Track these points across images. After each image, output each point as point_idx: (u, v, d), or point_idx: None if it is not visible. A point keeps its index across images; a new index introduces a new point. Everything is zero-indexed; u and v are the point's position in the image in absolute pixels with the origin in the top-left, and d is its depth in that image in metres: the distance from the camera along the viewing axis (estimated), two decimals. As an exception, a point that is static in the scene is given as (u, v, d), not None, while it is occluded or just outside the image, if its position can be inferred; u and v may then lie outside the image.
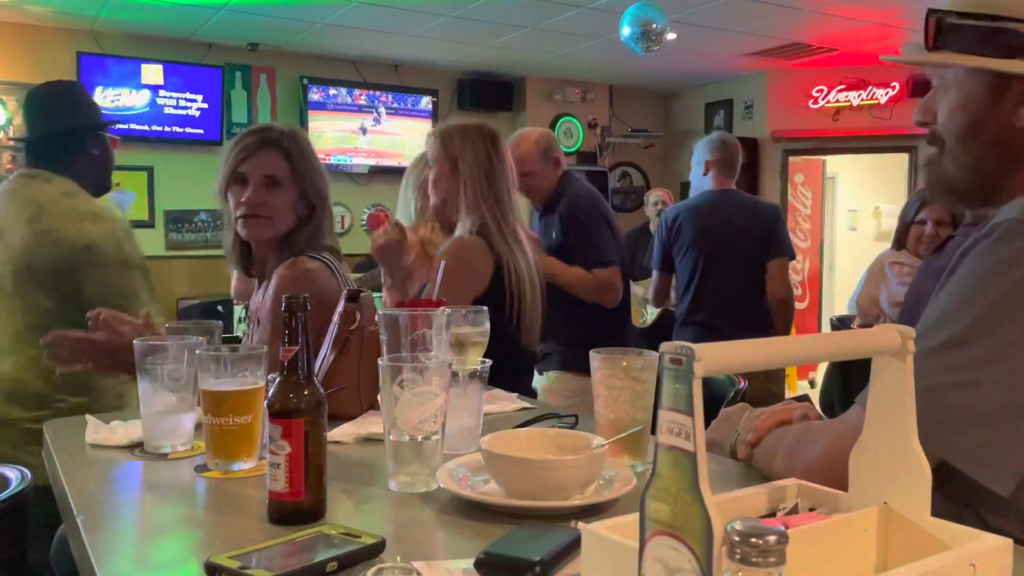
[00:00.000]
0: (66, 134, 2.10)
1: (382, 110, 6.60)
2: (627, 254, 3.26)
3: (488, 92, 6.91)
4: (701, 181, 3.52)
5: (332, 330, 1.49)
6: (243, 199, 1.78)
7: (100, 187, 2.20)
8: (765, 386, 3.40)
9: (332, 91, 6.40)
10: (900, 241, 3.19)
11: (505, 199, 2.14)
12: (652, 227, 5.14)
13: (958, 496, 0.90)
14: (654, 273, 3.64)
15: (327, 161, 6.28)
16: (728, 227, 3.39)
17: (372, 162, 6.57)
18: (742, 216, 3.44)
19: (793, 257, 3.55)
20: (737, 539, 0.51)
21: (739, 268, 3.38)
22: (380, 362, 1.08)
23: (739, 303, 3.38)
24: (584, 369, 2.67)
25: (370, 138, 6.58)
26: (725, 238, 3.38)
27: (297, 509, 0.96)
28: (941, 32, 1.04)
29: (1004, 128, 1.02)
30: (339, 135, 6.46)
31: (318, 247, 1.84)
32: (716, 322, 3.34)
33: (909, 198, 3.27)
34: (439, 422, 1.08)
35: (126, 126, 2.37)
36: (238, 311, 5.06)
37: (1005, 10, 1.00)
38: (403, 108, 6.68)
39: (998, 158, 1.03)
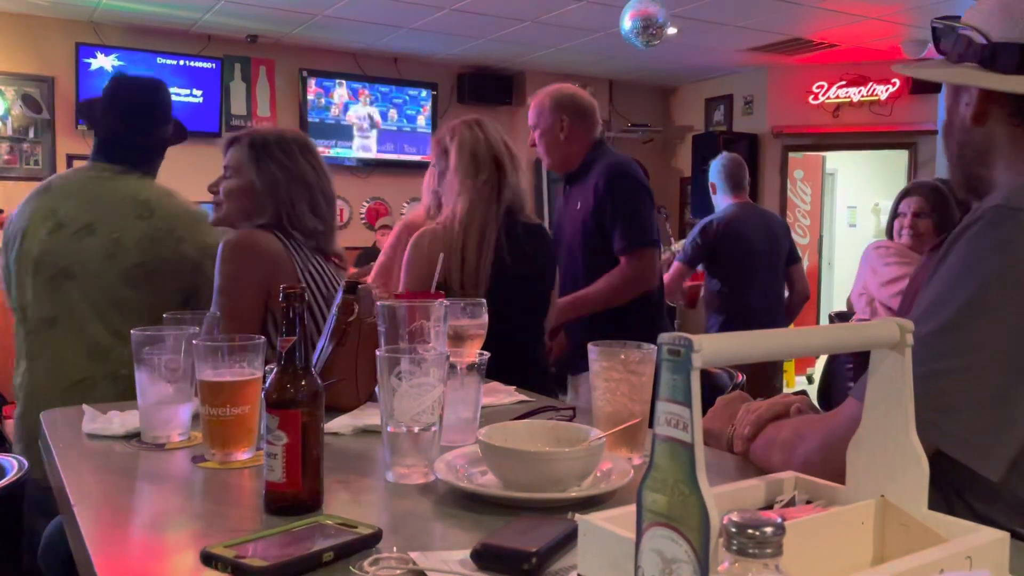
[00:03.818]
0: (155, 144, 2.13)
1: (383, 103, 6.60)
2: None
3: (488, 86, 6.90)
4: (724, 196, 3.91)
5: (330, 321, 1.49)
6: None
7: None
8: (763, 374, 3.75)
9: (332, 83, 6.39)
10: (889, 235, 3.27)
11: (482, 181, 2.12)
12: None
13: (947, 483, 0.91)
14: (676, 265, 3.85)
15: (325, 154, 6.28)
16: (764, 235, 3.84)
17: (371, 155, 6.56)
18: (769, 224, 3.92)
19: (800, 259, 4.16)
20: (734, 530, 0.51)
21: (773, 271, 3.86)
22: (378, 353, 1.08)
23: (773, 302, 3.86)
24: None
25: (369, 131, 6.57)
26: (763, 245, 3.82)
27: (294, 499, 0.96)
28: (937, 39, 1.09)
29: (964, 128, 1.07)
30: (338, 128, 6.45)
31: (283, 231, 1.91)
32: (758, 319, 3.69)
33: (897, 194, 3.34)
34: (437, 414, 1.08)
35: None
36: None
37: (970, 19, 1.04)
38: (403, 101, 6.67)
39: (969, 155, 1.08)
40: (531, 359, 2.22)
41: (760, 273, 3.80)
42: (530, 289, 2.19)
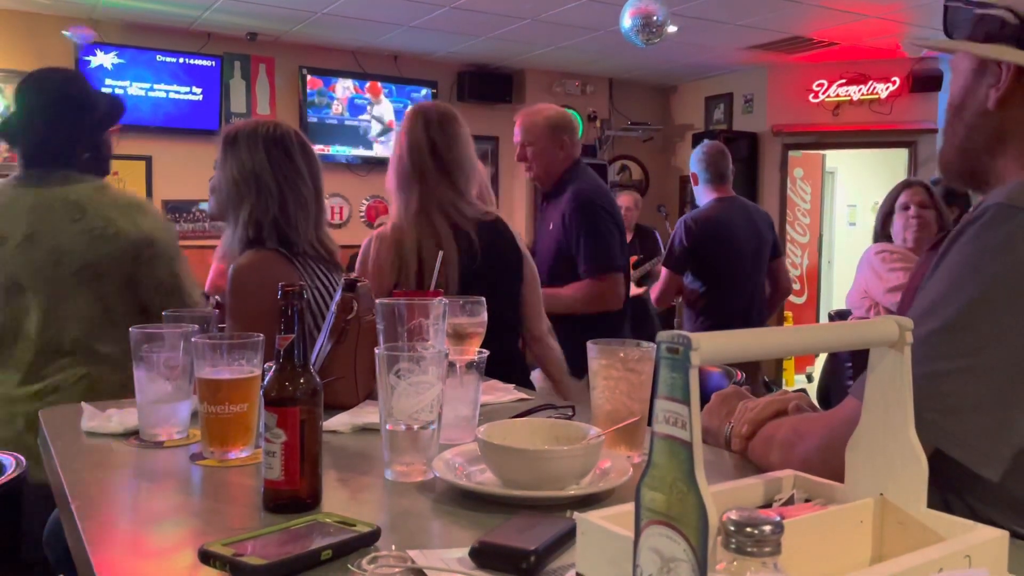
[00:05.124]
0: (70, 137, 2.07)
1: (378, 99, 6.59)
2: None
3: (487, 84, 6.89)
4: (706, 188, 3.74)
5: (329, 319, 1.49)
6: None
7: (101, 176, 2.17)
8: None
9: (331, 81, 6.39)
10: (884, 234, 3.18)
11: (418, 177, 2.12)
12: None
13: (946, 483, 0.90)
14: (665, 273, 3.76)
15: (325, 152, 6.28)
16: (747, 231, 3.68)
17: (371, 153, 6.56)
18: (753, 220, 3.74)
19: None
20: (732, 529, 0.51)
21: (756, 268, 3.72)
22: (377, 351, 1.08)
23: (754, 298, 3.72)
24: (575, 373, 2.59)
25: (368, 129, 6.57)
26: (746, 242, 3.66)
27: (292, 497, 0.96)
28: (950, 20, 1.06)
29: (981, 112, 1.04)
30: (337, 126, 6.44)
31: (274, 236, 1.88)
32: (737, 317, 3.60)
33: (888, 192, 3.26)
34: (435, 412, 1.08)
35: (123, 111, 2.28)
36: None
37: None
38: (402, 99, 6.66)
39: (978, 141, 1.05)
40: (496, 353, 2.18)
41: (743, 273, 3.67)
42: (492, 284, 2.15)
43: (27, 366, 1.95)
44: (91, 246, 1.97)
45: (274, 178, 1.87)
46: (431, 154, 2.12)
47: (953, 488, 0.91)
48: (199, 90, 5.90)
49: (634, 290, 4.08)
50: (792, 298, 7.57)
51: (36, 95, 2.09)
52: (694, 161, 3.76)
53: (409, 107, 2.26)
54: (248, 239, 1.87)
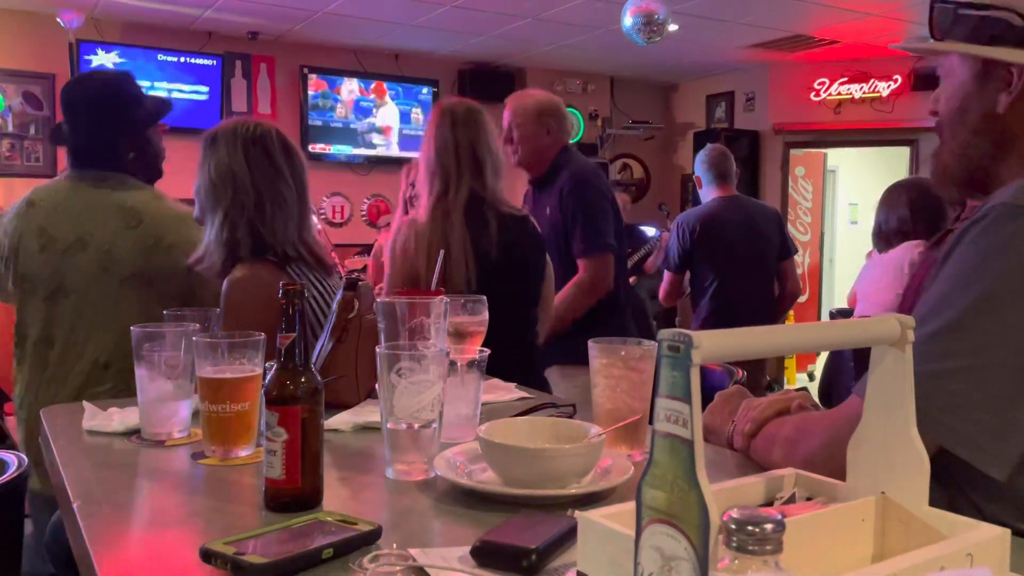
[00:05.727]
0: (113, 137, 2.05)
1: (383, 100, 6.59)
2: None
3: (489, 82, 6.88)
4: (710, 189, 3.77)
5: (331, 318, 1.49)
6: None
7: (154, 178, 2.16)
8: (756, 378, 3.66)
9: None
10: (931, 232, 3.08)
11: (448, 173, 2.12)
12: None
13: (952, 482, 0.90)
14: (667, 275, 3.81)
15: (326, 151, 6.27)
16: (746, 230, 3.68)
17: (372, 152, 6.55)
18: (754, 219, 3.74)
19: (797, 251, 3.98)
20: (734, 527, 0.51)
21: (756, 267, 3.72)
22: (378, 350, 1.08)
23: (756, 299, 3.71)
24: (578, 359, 2.59)
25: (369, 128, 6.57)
26: (744, 241, 3.67)
27: (293, 496, 0.96)
28: (942, 21, 1.05)
29: (987, 115, 1.03)
30: (337, 125, 6.44)
31: (257, 243, 1.82)
32: (738, 317, 3.58)
33: (922, 193, 3.15)
34: (436, 410, 1.08)
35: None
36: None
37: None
38: (409, 101, 6.66)
39: (983, 145, 1.04)
40: (518, 350, 2.16)
41: (740, 271, 3.67)
42: (513, 279, 2.14)
43: (65, 374, 1.93)
44: (145, 255, 1.95)
45: (251, 177, 1.80)
46: (461, 152, 2.13)
47: (959, 486, 0.91)
48: (200, 89, 5.90)
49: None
50: (793, 297, 7.56)
51: (78, 96, 2.08)
52: (697, 164, 3.81)
53: (435, 104, 2.28)
54: (223, 241, 1.80)
